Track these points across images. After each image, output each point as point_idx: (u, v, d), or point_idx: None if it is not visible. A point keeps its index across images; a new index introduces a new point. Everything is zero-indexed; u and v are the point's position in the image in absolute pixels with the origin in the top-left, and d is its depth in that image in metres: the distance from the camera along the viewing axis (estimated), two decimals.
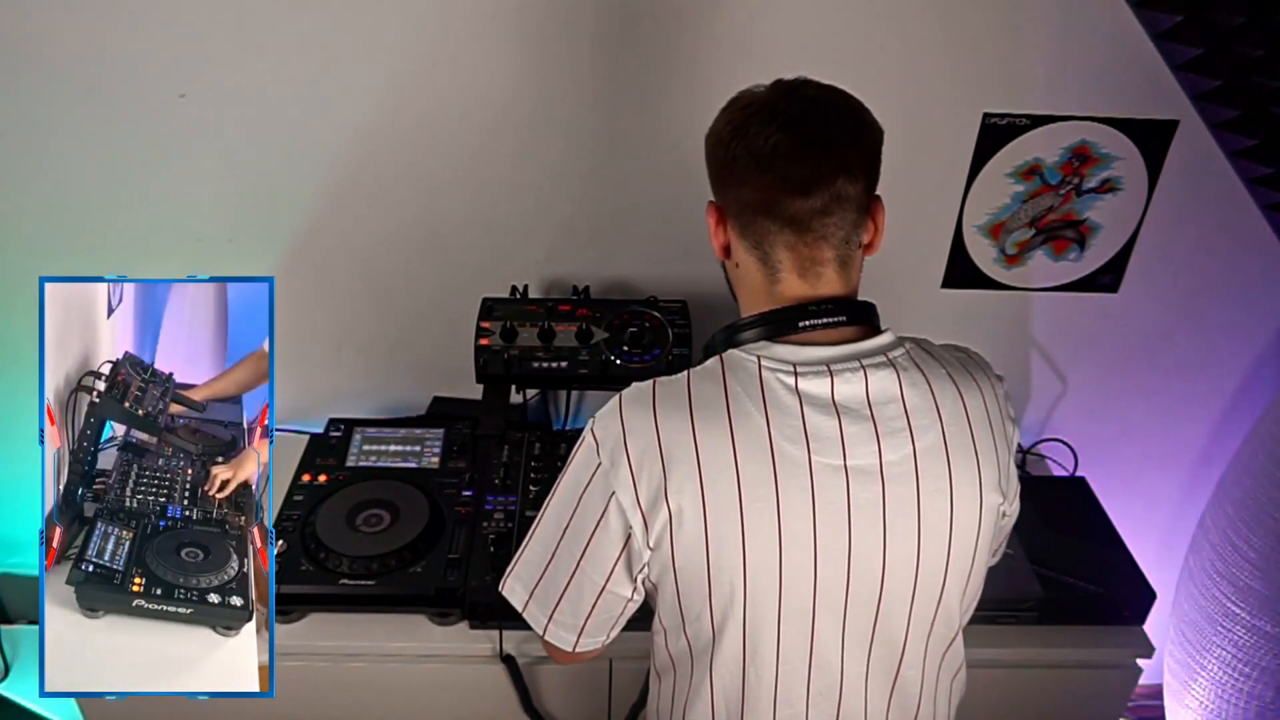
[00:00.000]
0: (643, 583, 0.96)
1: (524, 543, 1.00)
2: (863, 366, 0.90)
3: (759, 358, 0.91)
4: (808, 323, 0.91)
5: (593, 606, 0.96)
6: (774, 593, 0.90)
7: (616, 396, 0.94)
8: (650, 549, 0.91)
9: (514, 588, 1.01)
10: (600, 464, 0.91)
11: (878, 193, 0.94)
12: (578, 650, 1.00)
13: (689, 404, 0.90)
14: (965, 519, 0.93)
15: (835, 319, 0.91)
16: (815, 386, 0.89)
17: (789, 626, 0.92)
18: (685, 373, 0.94)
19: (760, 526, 0.88)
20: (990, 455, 0.94)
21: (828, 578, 0.91)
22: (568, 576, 0.95)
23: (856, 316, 0.93)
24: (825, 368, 0.89)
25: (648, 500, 0.89)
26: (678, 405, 0.90)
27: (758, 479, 0.88)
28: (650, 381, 0.94)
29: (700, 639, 0.96)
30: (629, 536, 0.91)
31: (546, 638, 1.00)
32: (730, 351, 0.93)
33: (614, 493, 0.90)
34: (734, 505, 0.88)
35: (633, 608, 0.98)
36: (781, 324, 0.92)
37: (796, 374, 0.89)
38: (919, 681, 0.99)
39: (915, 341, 0.97)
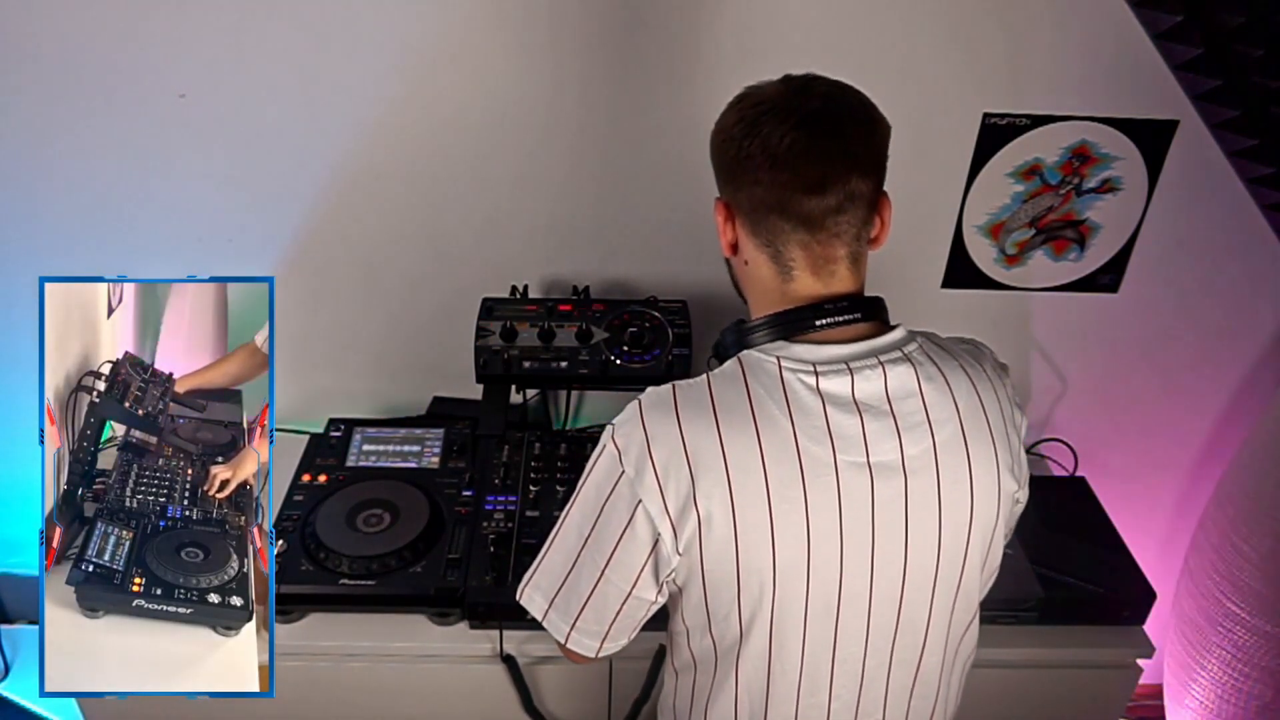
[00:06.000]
0: (667, 586, 0.95)
1: (542, 552, 0.99)
2: (881, 363, 0.90)
3: (779, 359, 0.90)
4: (824, 321, 0.91)
5: (617, 613, 0.96)
6: (801, 591, 0.91)
7: (634, 403, 0.93)
8: (679, 554, 0.91)
9: (532, 596, 1.00)
10: (624, 472, 0.90)
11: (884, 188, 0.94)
12: (599, 655, 1.00)
13: (713, 408, 0.89)
14: (984, 507, 0.94)
15: (850, 317, 0.91)
16: (836, 386, 0.89)
17: (815, 622, 0.93)
18: (704, 376, 0.93)
19: (789, 527, 0.88)
20: (1005, 442, 0.95)
21: (852, 573, 0.91)
22: (591, 585, 0.95)
23: (869, 313, 0.93)
24: (845, 366, 0.89)
25: (676, 506, 0.89)
26: (701, 410, 0.90)
27: (785, 480, 0.88)
28: (668, 386, 0.93)
29: (726, 638, 0.96)
30: (657, 543, 0.90)
31: (569, 645, 0.99)
32: (748, 353, 0.92)
33: (640, 500, 0.89)
34: (763, 508, 0.88)
35: (655, 609, 0.98)
36: (797, 324, 0.91)
37: (817, 374, 0.89)
38: (939, 669, 1.00)
39: (925, 335, 0.97)
